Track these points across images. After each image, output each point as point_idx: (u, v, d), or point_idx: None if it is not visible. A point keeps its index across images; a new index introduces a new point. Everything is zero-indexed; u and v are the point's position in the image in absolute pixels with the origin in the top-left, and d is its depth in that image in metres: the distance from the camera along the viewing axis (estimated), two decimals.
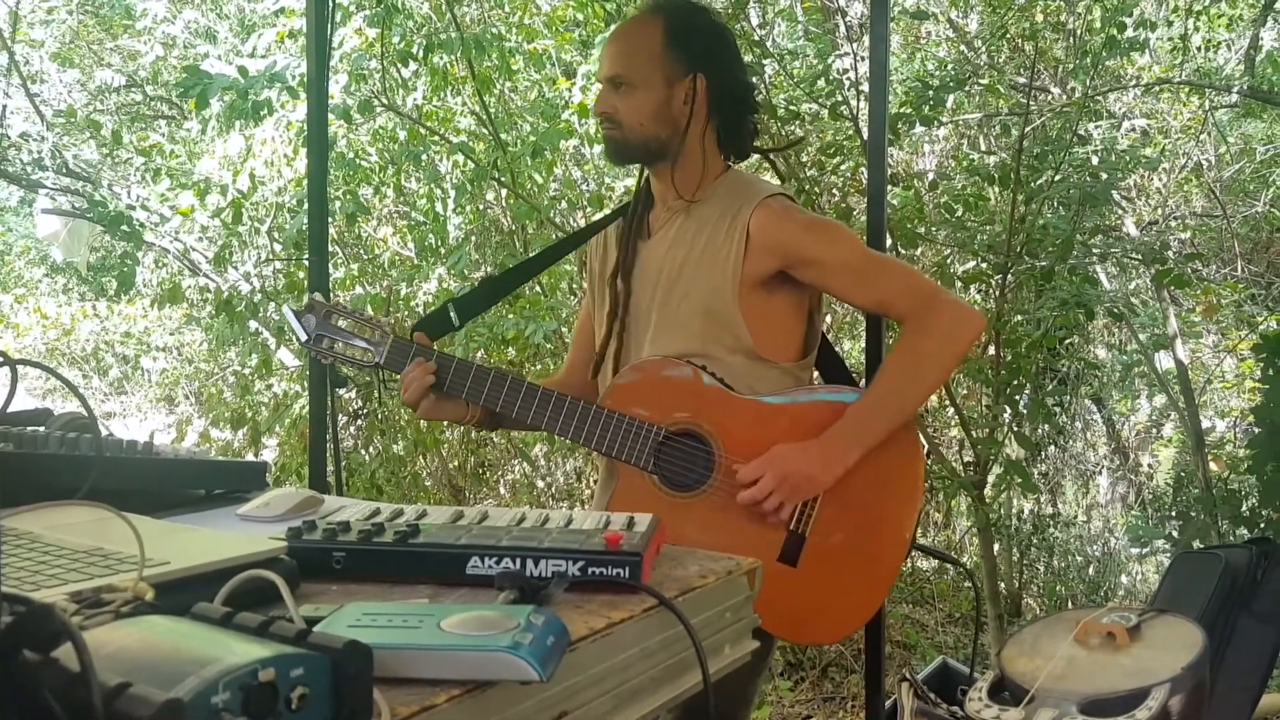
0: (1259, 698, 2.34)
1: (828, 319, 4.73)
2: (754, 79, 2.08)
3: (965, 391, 4.80)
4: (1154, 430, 6.00)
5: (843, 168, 4.15)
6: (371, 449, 5.00)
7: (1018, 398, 3.95)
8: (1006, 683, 1.82)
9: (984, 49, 5.20)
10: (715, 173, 1.91)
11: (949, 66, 4.78)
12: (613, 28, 2.71)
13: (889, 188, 3.01)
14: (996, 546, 4.26)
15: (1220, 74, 5.92)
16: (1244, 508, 3.82)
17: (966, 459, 4.33)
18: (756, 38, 4.33)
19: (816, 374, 1.98)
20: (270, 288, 4.84)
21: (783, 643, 2.80)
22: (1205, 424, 5.05)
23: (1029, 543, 5.02)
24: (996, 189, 4.18)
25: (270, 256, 4.96)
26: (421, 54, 4.40)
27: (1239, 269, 5.83)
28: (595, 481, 2.38)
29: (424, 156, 4.68)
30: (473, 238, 4.89)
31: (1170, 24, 5.48)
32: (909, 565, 4.84)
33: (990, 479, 3.92)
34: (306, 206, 3.06)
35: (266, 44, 4.46)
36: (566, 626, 0.84)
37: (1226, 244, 5.84)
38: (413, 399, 1.85)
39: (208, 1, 6.75)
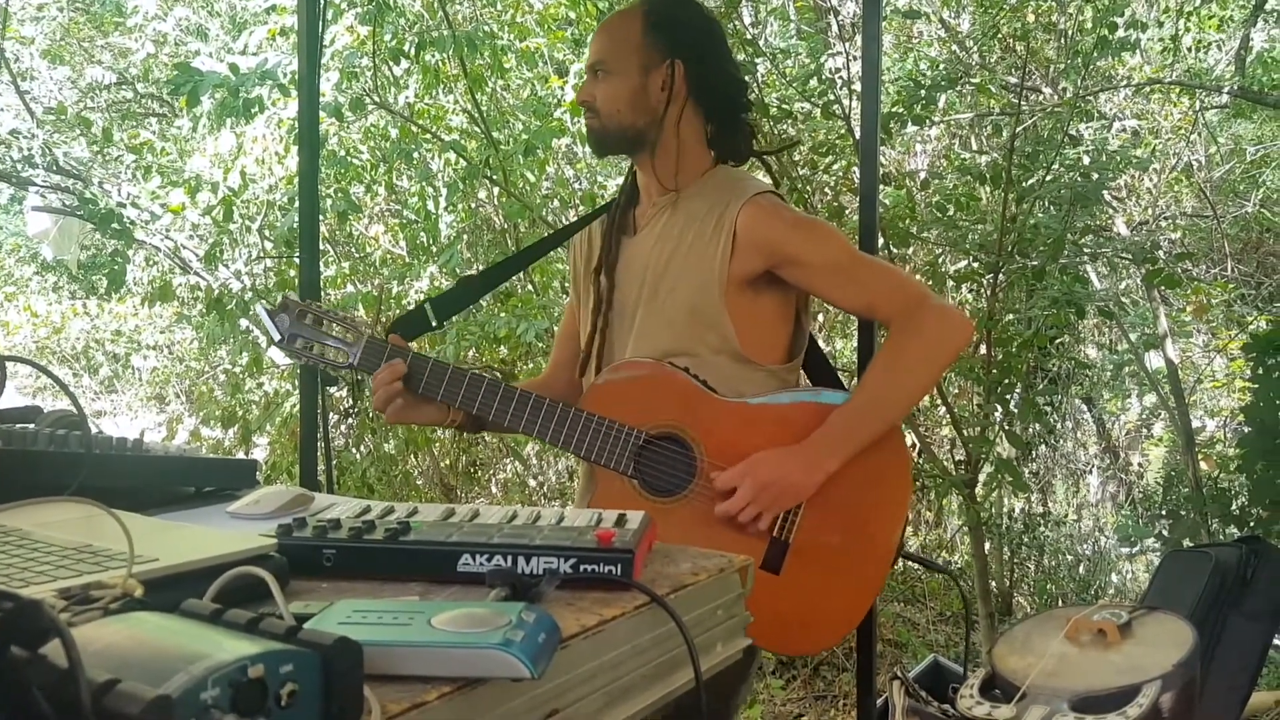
0: (1248, 696, 2.35)
1: (819, 318, 4.73)
2: (747, 79, 2.04)
3: (956, 390, 4.82)
4: (1144, 429, 6.01)
5: (835, 167, 4.16)
6: (363, 447, 4.99)
7: (1009, 396, 3.97)
8: (998, 680, 1.82)
9: (976, 49, 5.21)
10: (701, 166, 1.86)
11: (941, 66, 4.80)
12: None
13: (881, 187, 3.01)
14: (987, 545, 4.27)
15: (1211, 75, 5.93)
16: (1234, 506, 3.83)
17: (958, 457, 4.35)
18: (749, 36, 4.34)
19: (804, 377, 1.93)
20: (261, 286, 4.83)
21: None
22: (1195, 423, 5.06)
23: (1020, 541, 5.04)
24: (988, 188, 4.19)
25: (261, 255, 4.96)
26: (413, 51, 4.40)
27: (1229, 269, 5.85)
28: None
29: (416, 154, 4.67)
30: (465, 236, 4.89)
31: (1161, 24, 5.50)
32: (900, 564, 4.85)
33: (981, 477, 3.93)
34: (297, 204, 3.04)
35: (258, 41, 4.46)
36: (558, 623, 0.83)
37: (1216, 244, 5.86)
38: (380, 403, 1.78)
39: None
